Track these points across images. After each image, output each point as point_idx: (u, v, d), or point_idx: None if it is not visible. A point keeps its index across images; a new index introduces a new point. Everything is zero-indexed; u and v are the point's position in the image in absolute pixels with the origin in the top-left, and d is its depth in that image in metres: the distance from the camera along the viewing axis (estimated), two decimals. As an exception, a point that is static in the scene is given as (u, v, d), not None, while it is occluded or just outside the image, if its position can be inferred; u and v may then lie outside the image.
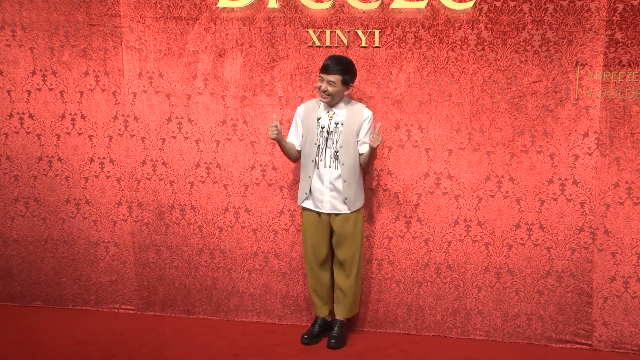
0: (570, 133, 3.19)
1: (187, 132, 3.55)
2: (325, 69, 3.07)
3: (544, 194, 3.25)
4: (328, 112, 3.17)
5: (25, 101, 3.67)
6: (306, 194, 3.22)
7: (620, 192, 3.18)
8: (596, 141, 3.17)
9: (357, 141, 3.15)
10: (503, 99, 3.22)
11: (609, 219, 3.20)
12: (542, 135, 3.21)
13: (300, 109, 3.25)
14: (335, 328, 3.31)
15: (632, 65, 3.07)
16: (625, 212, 3.18)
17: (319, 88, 3.10)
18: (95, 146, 3.66)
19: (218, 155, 3.54)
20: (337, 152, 3.14)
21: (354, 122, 3.14)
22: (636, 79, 3.08)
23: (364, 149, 3.16)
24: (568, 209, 3.24)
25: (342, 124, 3.14)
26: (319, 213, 3.23)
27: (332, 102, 3.13)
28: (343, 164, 3.13)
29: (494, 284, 3.37)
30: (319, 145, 3.16)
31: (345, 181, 3.14)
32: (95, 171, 3.68)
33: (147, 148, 3.60)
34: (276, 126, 3.07)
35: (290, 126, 3.32)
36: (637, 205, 3.17)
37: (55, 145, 3.68)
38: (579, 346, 3.31)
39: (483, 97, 3.24)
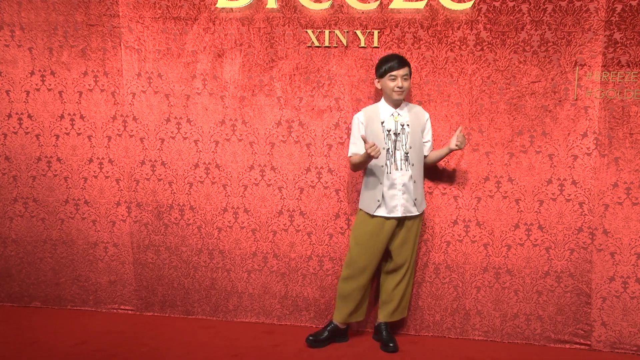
0: (569, 133, 3.19)
1: (186, 133, 3.55)
2: (393, 67, 3.01)
3: (543, 194, 3.25)
4: (392, 114, 3.12)
5: (24, 101, 3.67)
6: (379, 201, 3.12)
7: (619, 192, 3.18)
8: (595, 141, 3.17)
9: (423, 142, 3.17)
10: (502, 99, 3.22)
11: (607, 219, 3.20)
12: (541, 136, 3.21)
13: (361, 116, 3.12)
14: (384, 332, 3.30)
15: (630, 65, 3.07)
16: (624, 213, 3.18)
17: (393, 87, 3.03)
18: (94, 146, 3.66)
19: (217, 155, 3.54)
20: (407, 153, 3.10)
21: (418, 123, 3.14)
22: (635, 79, 3.08)
23: (428, 149, 3.19)
24: (567, 209, 3.24)
25: (408, 125, 3.11)
26: (387, 219, 3.14)
27: (403, 98, 3.10)
28: (413, 165, 3.10)
29: (493, 284, 3.37)
30: (388, 149, 3.10)
31: (415, 182, 3.12)
32: (94, 171, 3.68)
33: (146, 148, 3.60)
34: (371, 144, 2.92)
35: (349, 135, 3.19)
36: (636, 206, 3.17)
37: (54, 145, 3.68)
38: (578, 346, 3.31)
39: (482, 97, 3.24)
